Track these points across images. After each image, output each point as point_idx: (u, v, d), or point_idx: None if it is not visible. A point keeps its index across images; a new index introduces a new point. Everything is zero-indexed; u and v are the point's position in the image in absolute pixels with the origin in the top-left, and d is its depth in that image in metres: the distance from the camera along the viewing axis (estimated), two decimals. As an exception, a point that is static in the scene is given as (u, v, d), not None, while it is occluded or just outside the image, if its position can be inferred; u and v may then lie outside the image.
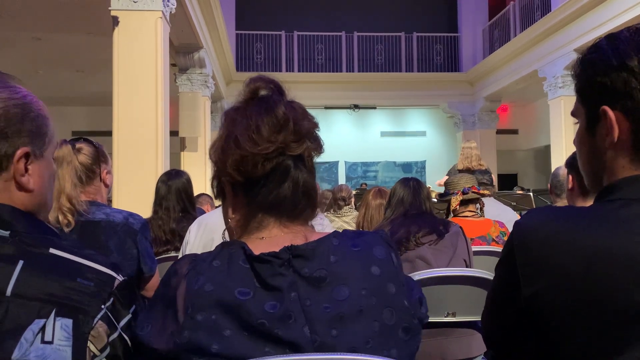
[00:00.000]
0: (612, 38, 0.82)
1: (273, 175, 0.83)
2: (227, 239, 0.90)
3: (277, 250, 0.79)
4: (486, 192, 2.93)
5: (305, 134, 0.85)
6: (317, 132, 0.88)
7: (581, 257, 0.73)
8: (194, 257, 0.81)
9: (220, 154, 0.85)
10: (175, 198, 2.74)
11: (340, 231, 0.87)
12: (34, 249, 0.76)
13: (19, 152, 0.79)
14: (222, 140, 0.86)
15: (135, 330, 0.78)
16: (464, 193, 2.75)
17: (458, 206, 2.77)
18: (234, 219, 0.87)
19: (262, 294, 0.76)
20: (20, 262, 0.73)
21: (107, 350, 0.75)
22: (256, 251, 0.79)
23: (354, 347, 0.76)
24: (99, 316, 0.74)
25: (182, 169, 3.61)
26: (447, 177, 3.75)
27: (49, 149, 0.85)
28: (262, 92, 0.88)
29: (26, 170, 0.80)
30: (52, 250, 0.77)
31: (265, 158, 0.81)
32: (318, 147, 0.88)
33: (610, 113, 0.79)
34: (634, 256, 0.70)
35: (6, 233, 0.76)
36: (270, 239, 0.83)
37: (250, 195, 0.85)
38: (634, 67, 0.77)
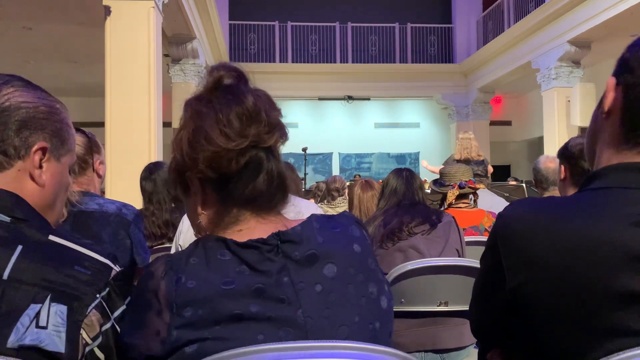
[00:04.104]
0: None
1: (247, 169, 0.81)
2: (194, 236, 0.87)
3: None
4: (481, 185, 2.93)
5: (276, 124, 0.83)
6: (281, 120, 0.86)
7: (562, 247, 0.73)
8: (167, 257, 0.79)
9: (189, 150, 0.80)
10: (165, 189, 2.72)
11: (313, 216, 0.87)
12: (34, 235, 0.77)
13: (37, 145, 0.83)
14: (189, 134, 0.81)
15: (121, 337, 0.77)
16: (460, 187, 2.75)
17: (454, 200, 2.78)
18: (205, 215, 0.84)
19: (249, 280, 0.76)
20: (19, 247, 0.74)
21: (99, 340, 0.75)
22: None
23: (344, 324, 0.78)
24: (93, 305, 0.75)
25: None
26: (441, 166, 3.75)
27: (66, 158, 0.89)
28: (226, 81, 0.84)
29: (40, 166, 0.84)
30: (51, 237, 0.78)
31: (240, 153, 0.79)
32: (284, 135, 0.85)
33: (611, 81, 0.79)
34: (616, 243, 0.71)
35: (7, 219, 0.77)
36: (249, 229, 0.82)
37: (224, 192, 0.82)
38: None
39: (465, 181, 2.75)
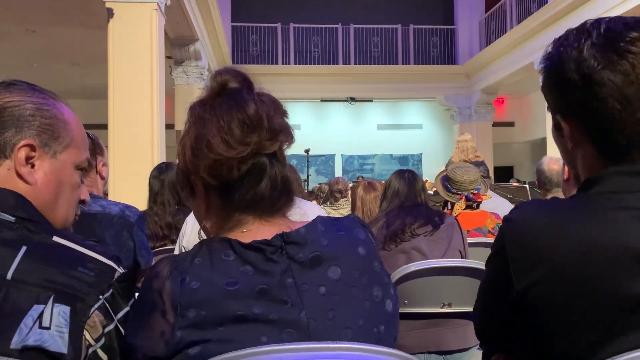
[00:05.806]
0: None
1: (249, 176, 0.80)
2: (203, 237, 0.88)
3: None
4: (487, 196, 2.93)
5: (279, 130, 0.82)
6: (287, 122, 0.85)
7: (572, 249, 0.73)
8: (173, 258, 0.79)
9: (191, 157, 0.81)
10: (170, 192, 2.73)
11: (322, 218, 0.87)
12: (38, 235, 0.77)
13: (22, 142, 0.81)
14: (192, 140, 0.82)
15: (125, 337, 0.77)
16: (467, 199, 2.74)
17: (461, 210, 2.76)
18: (209, 218, 0.85)
19: (253, 281, 0.76)
20: (24, 248, 0.74)
21: (102, 341, 0.75)
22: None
23: (348, 327, 0.77)
24: (96, 306, 0.75)
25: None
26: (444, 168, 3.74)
27: (65, 155, 0.86)
28: (231, 85, 0.84)
29: (31, 163, 0.82)
30: (55, 238, 0.78)
31: (241, 161, 0.79)
32: (289, 139, 0.85)
33: None
34: (624, 247, 0.71)
35: (12, 219, 0.77)
36: (252, 231, 0.82)
37: (226, 198, 0.82)
38: None
39: (473, 193, 2.74)
